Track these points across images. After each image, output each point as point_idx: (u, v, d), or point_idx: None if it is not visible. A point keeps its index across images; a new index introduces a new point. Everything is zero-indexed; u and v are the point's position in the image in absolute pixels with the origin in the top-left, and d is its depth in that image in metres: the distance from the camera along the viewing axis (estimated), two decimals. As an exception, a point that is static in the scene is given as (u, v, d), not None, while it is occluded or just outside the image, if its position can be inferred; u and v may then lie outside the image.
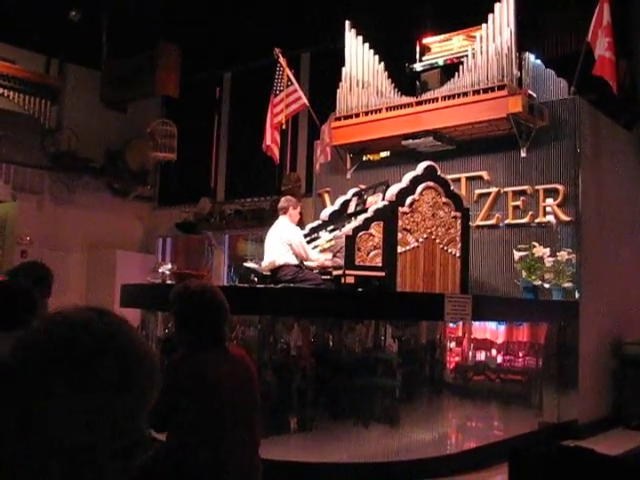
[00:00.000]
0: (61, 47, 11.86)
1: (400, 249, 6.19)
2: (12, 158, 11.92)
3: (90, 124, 12.72)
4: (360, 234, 6.05)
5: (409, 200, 6.30)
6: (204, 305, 2.73)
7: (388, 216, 6.19)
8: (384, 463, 5.14)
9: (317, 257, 6.71)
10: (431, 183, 6.44)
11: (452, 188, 6.64)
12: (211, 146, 13.40)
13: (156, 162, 12.83)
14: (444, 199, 6.49)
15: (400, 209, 6.24)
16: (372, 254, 6.07)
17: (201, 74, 13.03)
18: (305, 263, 6.73)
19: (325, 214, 7.45)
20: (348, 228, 6.14)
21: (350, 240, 6.02)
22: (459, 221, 6.54)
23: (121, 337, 1.00)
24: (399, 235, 6.20)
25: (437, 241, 6.39)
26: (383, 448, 5.21)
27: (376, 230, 6.12)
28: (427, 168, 6.52)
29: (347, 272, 5.97)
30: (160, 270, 7.42)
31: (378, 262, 6.08)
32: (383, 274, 6.05)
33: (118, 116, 13.25)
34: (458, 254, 6.50)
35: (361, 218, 6.22)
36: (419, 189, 6.37)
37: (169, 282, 6.91)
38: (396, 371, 5.34)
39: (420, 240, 6.29)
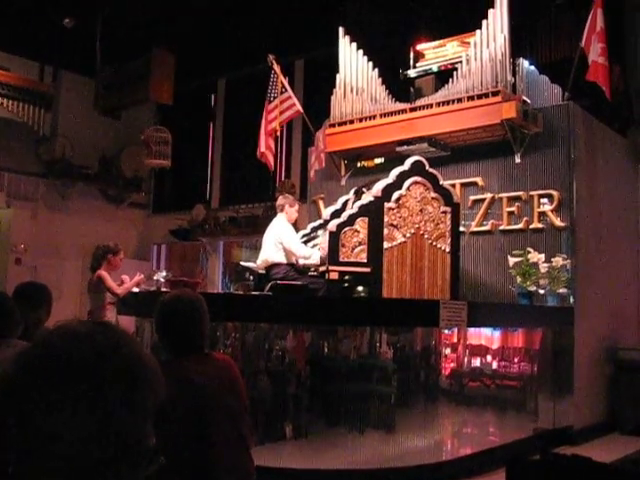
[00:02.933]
0: (55, 54, 11.86)
1: (386, 245, 6.16)
2: (6, 166, 11.91)
3: (84, 131, 12.73)
4: (344, 230, 6.05)
5: (396, 195, 6.27)
6: (175, 314, 2.77)
7: (373, 212, 6.18)
8: (379, 470, 5.12)
9: (309, 253, 6.73)
10: (419, 178, 6.40)
11: (441, 183, 6.57)
12: (205, 153, 13.41)
13: (150, 169, 12.82)
14: (433, 194, 6.44)
15: (386, 204, 6.22)
16: (357, 250, 6.06)
17: (195, 81, 13.04)
18: (300, 262, 6.77)
19: (327, 213, 7.44)
20: (332, 224, 6.13)
21: (334, 236, 6.03)
22: (449, 216, 6.48)
23: (123, 349, 0.99)
24: (385, 231, 6.17)
25: (425, 236, 6.34)
26: (378, 455, 5.19)
27: (361, 226, 6.11)
28: (415, 163, 6.47)
29: (331, 268, 5.97)
30: (155, 277, 7.40)
31: (363, 258, 6.07)
32: (368, 270, 6.03)
33: (112, 123, 13.25)
34: (448, 249, 6.44)
35: (345, 214, 6.22)
36: (406, 184, 6.33)
37: (164, 289, 6.88)
38: (391, 377, 5.31)
39: (407, 235, 6.26)
